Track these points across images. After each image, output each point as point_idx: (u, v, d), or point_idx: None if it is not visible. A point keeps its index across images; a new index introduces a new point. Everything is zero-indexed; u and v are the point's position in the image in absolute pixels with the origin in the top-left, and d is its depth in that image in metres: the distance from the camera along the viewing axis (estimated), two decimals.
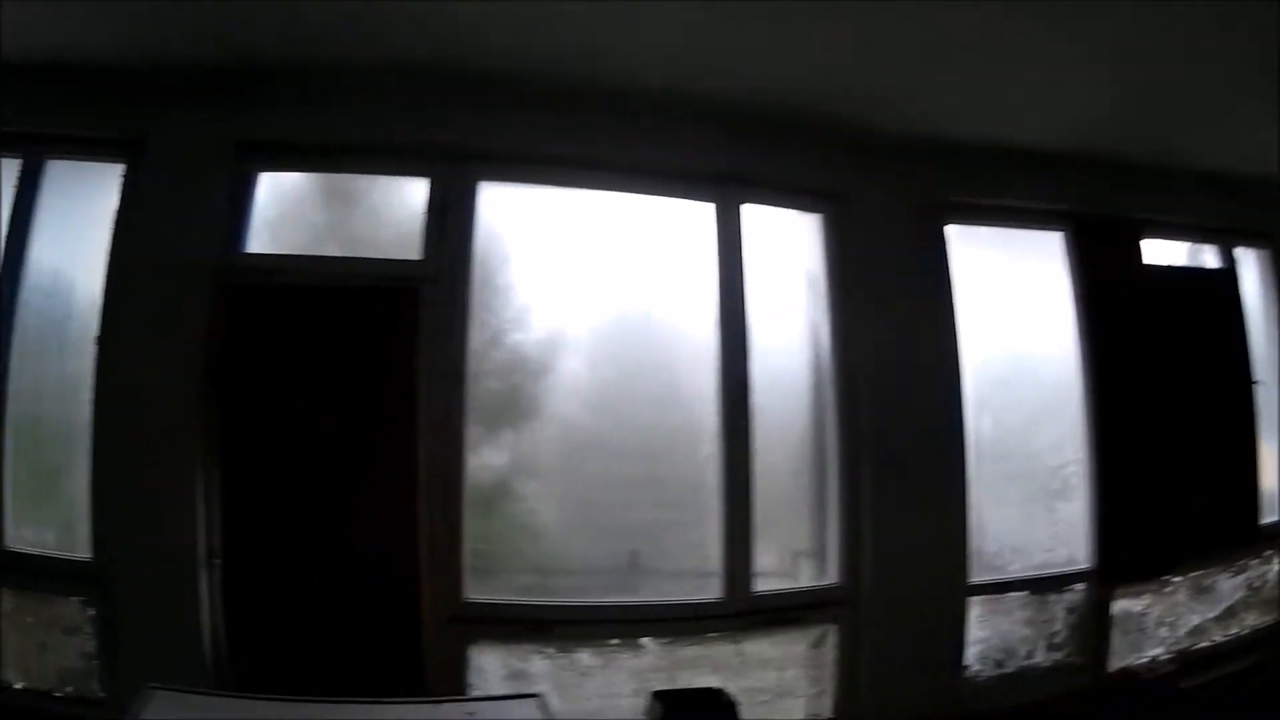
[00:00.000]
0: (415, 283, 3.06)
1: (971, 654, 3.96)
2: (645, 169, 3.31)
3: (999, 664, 3.75)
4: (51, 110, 3.46)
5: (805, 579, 3.77)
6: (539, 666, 3.19)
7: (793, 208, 3.53)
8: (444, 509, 3.01)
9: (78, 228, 3.48)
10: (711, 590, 3.57)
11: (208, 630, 3.19)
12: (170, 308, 3.23)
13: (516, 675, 3.33)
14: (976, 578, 3.86)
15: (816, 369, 3.61)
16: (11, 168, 3.51)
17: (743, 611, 3.25)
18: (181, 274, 3.23)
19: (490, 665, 3.21)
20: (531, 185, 3.29)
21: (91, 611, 3.25)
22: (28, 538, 3.37)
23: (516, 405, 3.58)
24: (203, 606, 3.17)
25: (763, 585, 3.40)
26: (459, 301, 3.07)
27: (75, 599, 3.16)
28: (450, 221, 3.12)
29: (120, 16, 3.00)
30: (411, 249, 3.19)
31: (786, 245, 3.54)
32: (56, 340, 3.42)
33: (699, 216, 3.43)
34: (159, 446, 3.21)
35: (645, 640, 3.46)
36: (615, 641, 3.43)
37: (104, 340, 3.28)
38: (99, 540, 3.07)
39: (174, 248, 3.26)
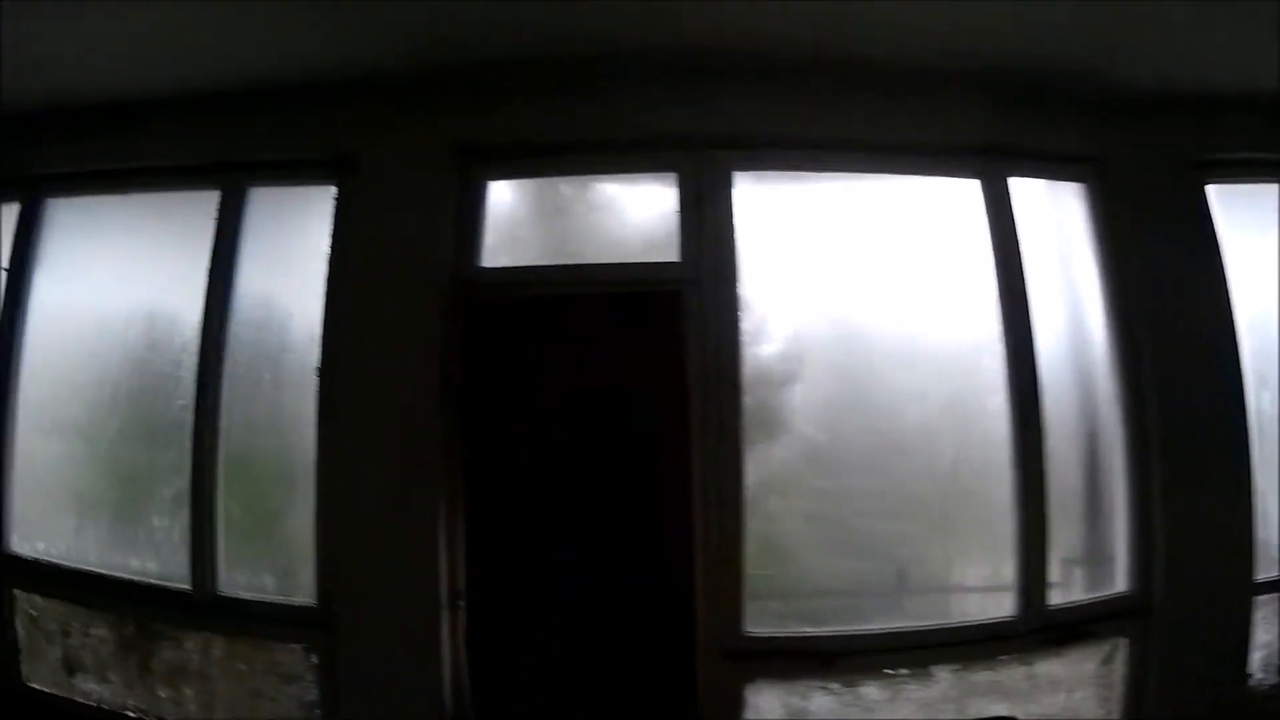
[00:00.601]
0: (677, 285, 2.74)
1: (1255, 660, 3.48)
2: (902, 147, 2.97)
3: None
4: (251, 137, 3.32)
5: (1087, 588, 3.32)
6: (821, 703, 2.81)
7: (1053, 177, 3.16)
8: (721, 534, 2.64)
9: (287, 256, 3.26)
10: (992, 607, 3.14)
11: (448, 678, 2.92)
12: (402, 331, 2.98)
13: (797, 714, 2.93)
14: (1262, 574, 3.37)
15: (1082, 353, 3.19)
16: (210, 200, 3.31)
17: (1038, 629, 2.82)
18: (412, 294, 3.00)
19: (767, 704, 2.80)
20: (783, 172, 2.95)
21: (314, 659, 3.06)
22: (242, 582, 3.24)
23: (758, 416, 3.24)
24: (443, 652, 2.91)
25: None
26: (726, 303, 2.74)
27: (296, 645, 3.04)
28: (706, 217, 2.80)
29: (315, 32, 2.83)
30: (658, 250, 2.87)
31: (1051, 219, 3.15)
32: (271, 373, 3.22)
33: (959, 196, 3.07)
34: (394, 479, 2.96)
35: (936, 668, 3.04)
36: (904, 671, 3.02)
37: (327, 371, 3.03)
38: (324, 583, 2.94)
39: (402, 267, 3.03)
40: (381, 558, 2.92)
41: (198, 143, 3.40)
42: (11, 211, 3.86)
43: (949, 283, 3.30)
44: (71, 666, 3.56)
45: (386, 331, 2.88)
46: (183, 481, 3.25)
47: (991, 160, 3.08)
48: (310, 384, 3.10)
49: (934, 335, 3.39)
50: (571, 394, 2.78)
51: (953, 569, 3.40)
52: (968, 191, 3.24)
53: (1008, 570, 3.21)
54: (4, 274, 3.76)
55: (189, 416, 3.25)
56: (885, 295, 3.35)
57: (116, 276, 3.65)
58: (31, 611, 3.66)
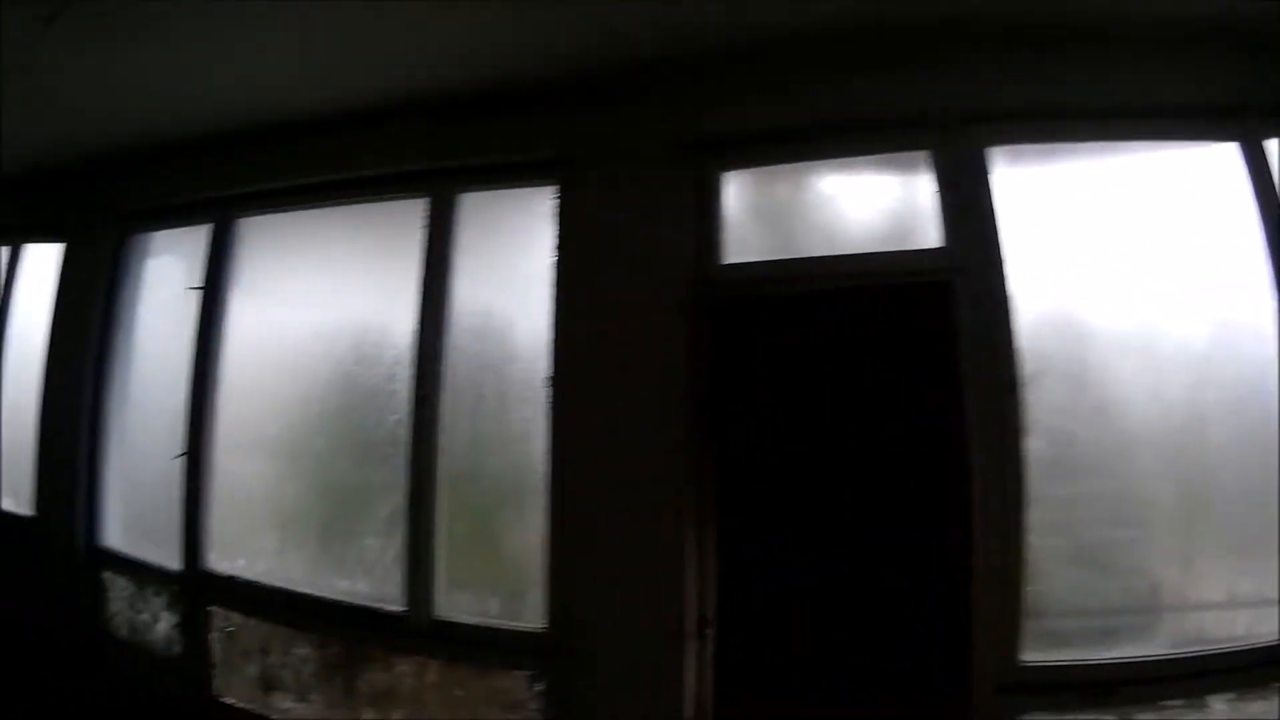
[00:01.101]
0: (945, 274, 2.50)
1: None
2: (1154, 111, 2.69)
3: None
4: (461, 141, 3.21)
5: None
6: None
7: None
8: (1003, 549, 2.39)
9: (505, 261, 3.12)
10: (1257, 625, 2.83)
11: (689, 713, 2.68)
12: (640, 335, 2.81)
13: None
14: None
15: None
16: (418, 208, 3.20)
17: None
18: (650, 295, 2.82)
19: None
20: (1038, 144, 2.69)
21: (539, 686, 2.89)
22: (463, 605, 3.08)
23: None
24: (685, 685, 2.68)
25: None
26: (996, 292, 2.49)
27: (519, 672, 2.88)
28: (968, 198, 2.56)
29: (528, 31, 2.70)
30: (913, 237, 2.63)
31: None
32: (495, 385, 3.06)
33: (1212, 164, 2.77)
34: (635, 495, 2.77)
35: (1212, 697, 2.74)
36: (1178, 703, 2.73)
37: (559, 381, 2.86)
38: (556, 608, 2.76)
39: (636, 267, 2.87)
40: (620, 580, 2.72)
41: (402, 150, 3.32)
42: (202, 232, 3.83)
43: (1197, 264, 2.99)
44: (269, 684, 3.50)
45: (623, 336, 2.73)
46: (398, 499, 3.14)
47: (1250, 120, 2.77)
48: (539, 395, 2.92)
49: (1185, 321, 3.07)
50: (830, 399, 2.55)
51: (1208, 583, 3.09)
52: (1221, 158, 2.93)
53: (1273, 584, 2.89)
54: (197, 293, 3.72)
55: (404, 432, 3.13)
56: (1121, 281, 3.06)
57: (319, 291, 3.60)
58: (230, 629, 3.59)
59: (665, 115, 2.85)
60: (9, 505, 4.61)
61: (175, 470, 3.74)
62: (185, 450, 3.71)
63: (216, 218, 3.81)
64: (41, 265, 4.69)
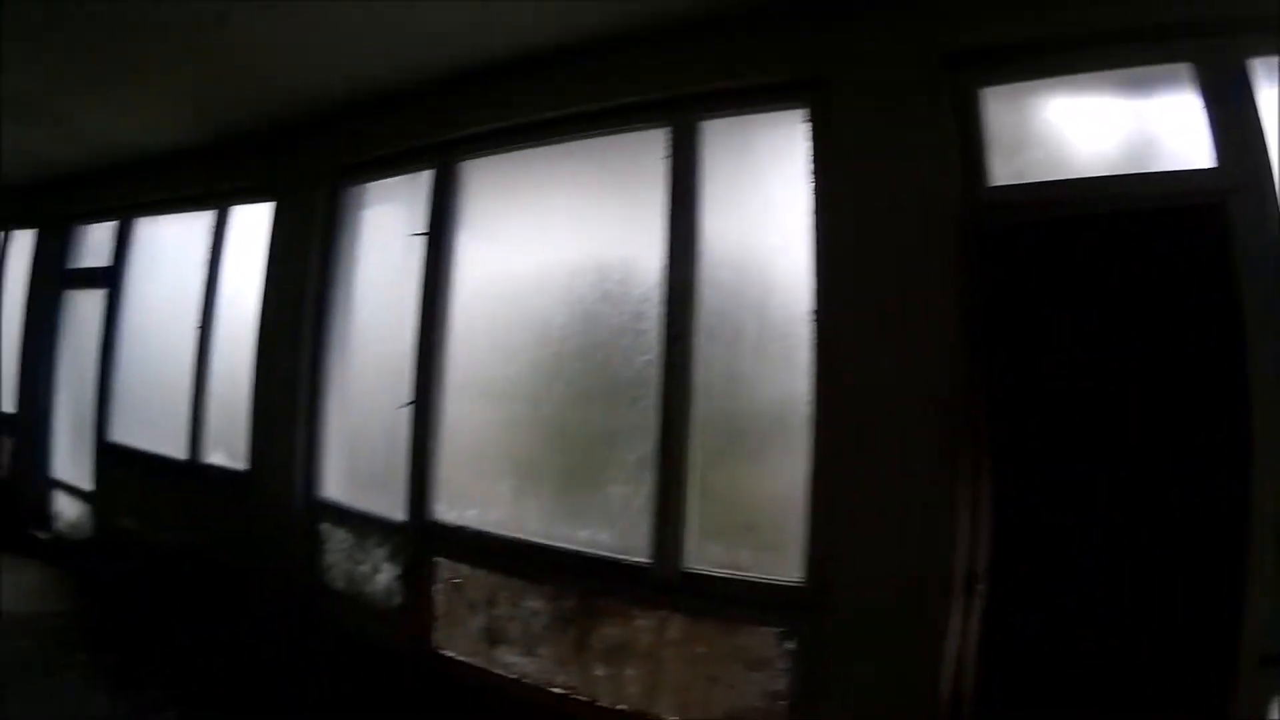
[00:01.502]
0: (1217, 197, 2.41)
1: None
2: None
3: None
4: (699, 66, 3.33)
5: None
6: None
7: None
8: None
9: (756, 190, 3.25)
10: None
11: (949, 674, 2.69)
12: (908, 265, 2.83)
13: None
14: None
15: None
16: (654, 137, 3.35)
17: None
18: (917, 222, 2.84)
19: None
20: None
21: (790, 644, 2.96)
22: (712, 556, 3.19)
23: None
24: (947, 645, 2.62)
25: None
26: (1272, 214, 2.36)
27: (769, 629, 2.94)
28: (1238, 114, 2.44)
29: None
30: (1178, 157, 2.51)
31: None
32: (752, 323, 3.18)
33: None
34: (903, 439, 2.78)
35: None
36: None
37: (822, 315, 2.95)
38: (815, 561, 2.82)
39: (899, 192, 2.86)
40: (885, 531, 2.68)
41: (638, 79, 3.46)
42: (420, 180, 4.18)
43: None
44: (494, 638, 3.76)
45: (888, 267, 2.74)
46: (646, 445, 3.27)
47: None
48: (800, 332, 3.01)
49: None
50: (1106, 331, 2.52)
51: None
52: None
53: None
54: (421, 239, 4.07)
55: (654, 373, 3.27)
56: None
57: (553, 231, 3.81)
58: (456, 580, 3.91)
59: (920, 28, 2.83)
60: (222, 460, 5.20)
61: (400, 420, 4.07)
62: (413, 399, 4.03)
63: (438, 163, 4.11)
64: (251, 225, 5.24)
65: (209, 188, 5.50)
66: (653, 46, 3.40)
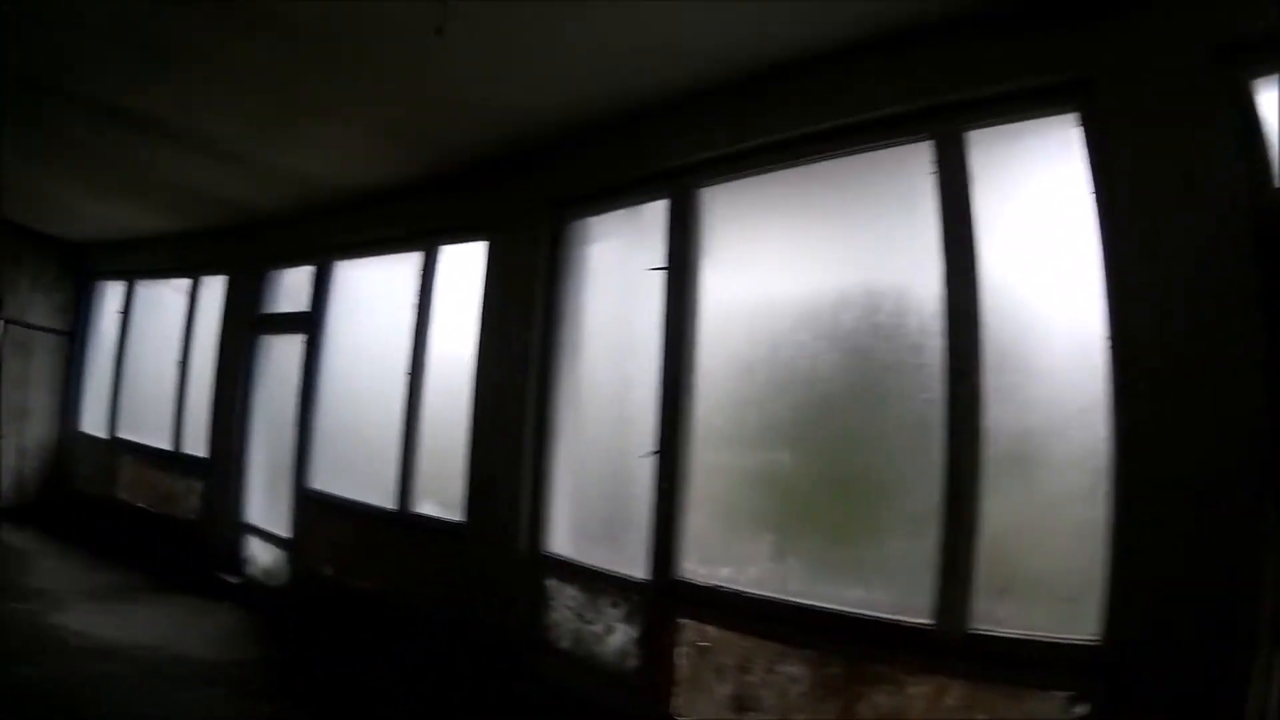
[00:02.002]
0: None
1: None
2: None
3: None
4: (960, 73, 3.44)
5: None
6: None
7: None
8: None
9: (1027, 204, 3.35)
10: None
11: None
12: (1199, 281, 2.81)
13: None
14: None
15: None
16: (918, 152, 3.54)
17: None
18: (1204, 231, 2.81)
19: None
20: None
21: (1081, 709, 2.92)
22: (1000, 615, 3.21)
23: None
24: (1252, 706, 2.57)
25: None
26: None
27: (1058, 693, 3.00)
28: None
29: None
30: None
31: None
32: (1041, 352, 3.25)
33: None
34: (1213, 479, 2.72)
35: None
36: None
37: (1117, 342, 2.97)
38: (1115, 616, 2.86)
39: (1184, 198, 2.85)
40: (1191, 584, 2.69)
41: (892, 89, 3.60)
42: (650, 209, 4.53)
43: None
44: (743, 705, 3.88)
45: (1185, 280, 2.78)
46: (930, 493, 3.33)
47: None
48: (1096, 360, 2.95)
49: None
50: None
51: None
52: None
53: None
54: (660, 273, 4.36)
55: (937, 413, 3.34)
56: None
57: (808, 259, 3.97)
58: (702, 643, 4.10)
59: (1191, 19, 2.88)
60: (434, 510, 5.71)
61: (641, 470, 4.33)
62: (657, 448, 4.29)
63: (673, 190, 4.37)
64: (462, 264, 5.76)
65: (416, 226, 6.08)
66: (909, 52, 3.56)
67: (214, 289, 8.56)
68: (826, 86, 3.78)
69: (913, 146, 3.55)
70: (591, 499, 4.76)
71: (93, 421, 10.35)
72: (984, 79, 3.38)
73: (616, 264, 4.80)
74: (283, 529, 7.09)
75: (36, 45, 4.55)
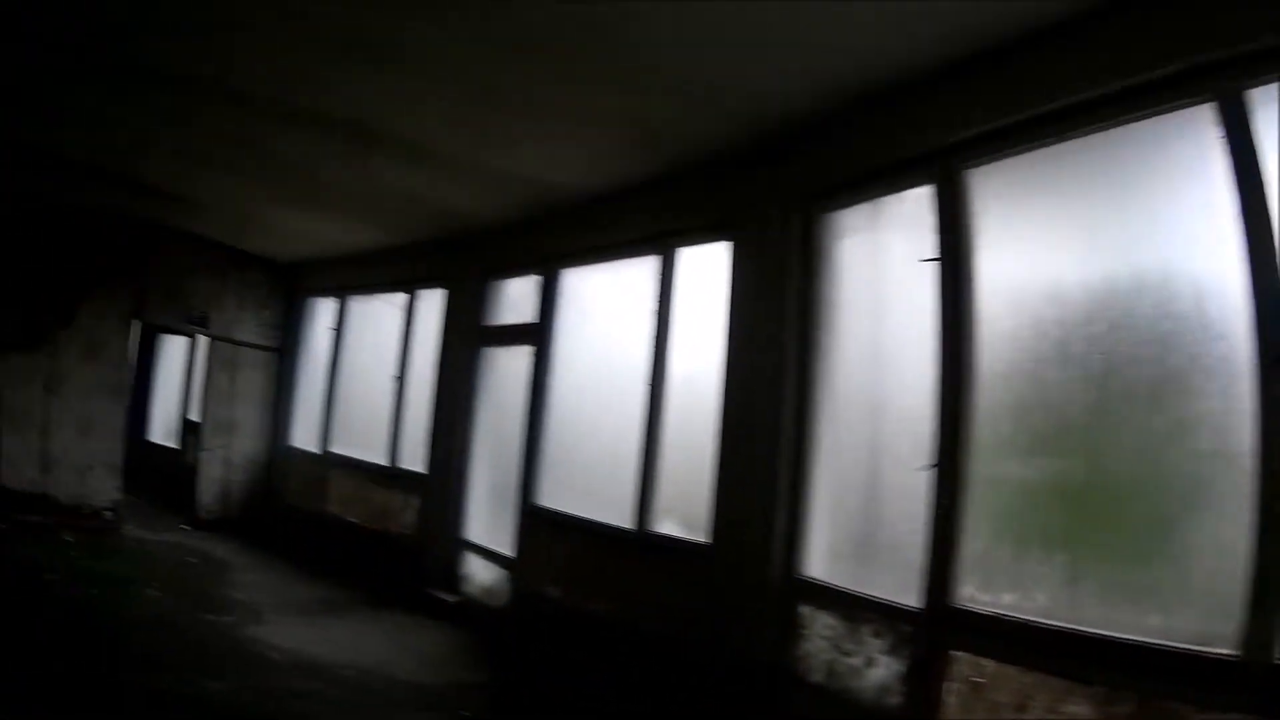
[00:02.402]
0: None
1: None
2: None
3: None
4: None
5: None
6: None
7: None
8: None
9: None
10: None
11: None
12: None
13: None
14: None
15: None
16: (1201, 113, 3.45)
17: None
18: None
19: None
20: None
21: None
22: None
23: None
24: None
25: None
26: None
27: None
28: None
29: None
30: None
31: None
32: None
33: None
34: None
35: None
36: None
37: None
38: None
39: None
40: None
41: (1167, 45, 3.49)
42: (912, 195, 4.63)
43: None
44: None
45: None
46: (1240, 504, 3.20)
47: None
48: None
49: None
50: None
51: None
52: None
53: None
54: (931, 264, 4.42)
55: (1247, 409, 3.15)
56: None
57: (1096, 243, 3.91)
58: (976, 678, 4.08)
59: None
60: (675, 529, 6.00)
61: (915, 485, 4.35)
62: (935, 460, 4.32)
63: (938, 174, 4.40)
64: (702, 265, 6.07)
65: (651, 229, 6.43)
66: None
67: (432, 302, 9.27)
68: (1097, 48, 3.74)
69: (1194, 110, 3.46)
70: (853, 517, 4.86)
71: (304, 436, 11.37)
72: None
73: (874, 258, 4.93)
74: (505, 547, 7.57)
75: (240, 56, 5.22)
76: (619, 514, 6.26)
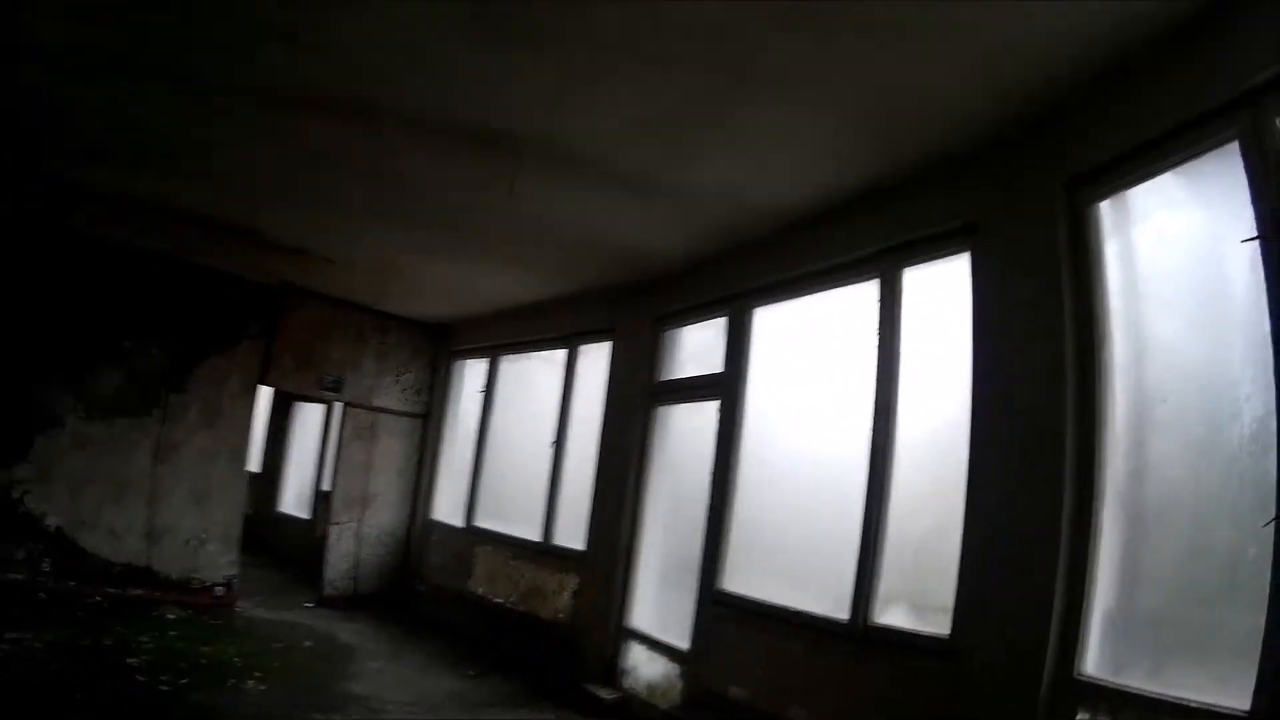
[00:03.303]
0: None
1: None
2: None
3: None
4: None
5: None
6: None
7: None
8: None
9: None
10: None
11: None
12: None
13: None
14: None
15: None
16: None
17: None
18: None
19: None
20: None
21: None
22: None
23: None
24: None
25: None
26: None
27: None
28: None
29: None
30: None
31: None
32: None
33: None
34: None
35: None
36: None
37: None
38: None
39: None
40: None
41: None
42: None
43: None
44: None
45: None
46: None
47: None
48: None
49: None
50: None
51: None
52: None
53: None
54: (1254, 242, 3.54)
55: None
56: None
57: None
58: None
59: None
60: (903, 621, 5.21)
61: (1253, 551, 3.48)
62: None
63: (1247, 125, 3.59)
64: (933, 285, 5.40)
65: (867, 248, 5.85)
66: None
67: (596, 358, 8.94)
68: None
69: None
70: (1161, 591, 4.01)
71: (446, 508, 11.18)
72: None
73: (1161, 245, 4.20)
74: (678, 637, 6.95)
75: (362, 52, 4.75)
76: (829, 601, 5.56)
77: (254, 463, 14.98)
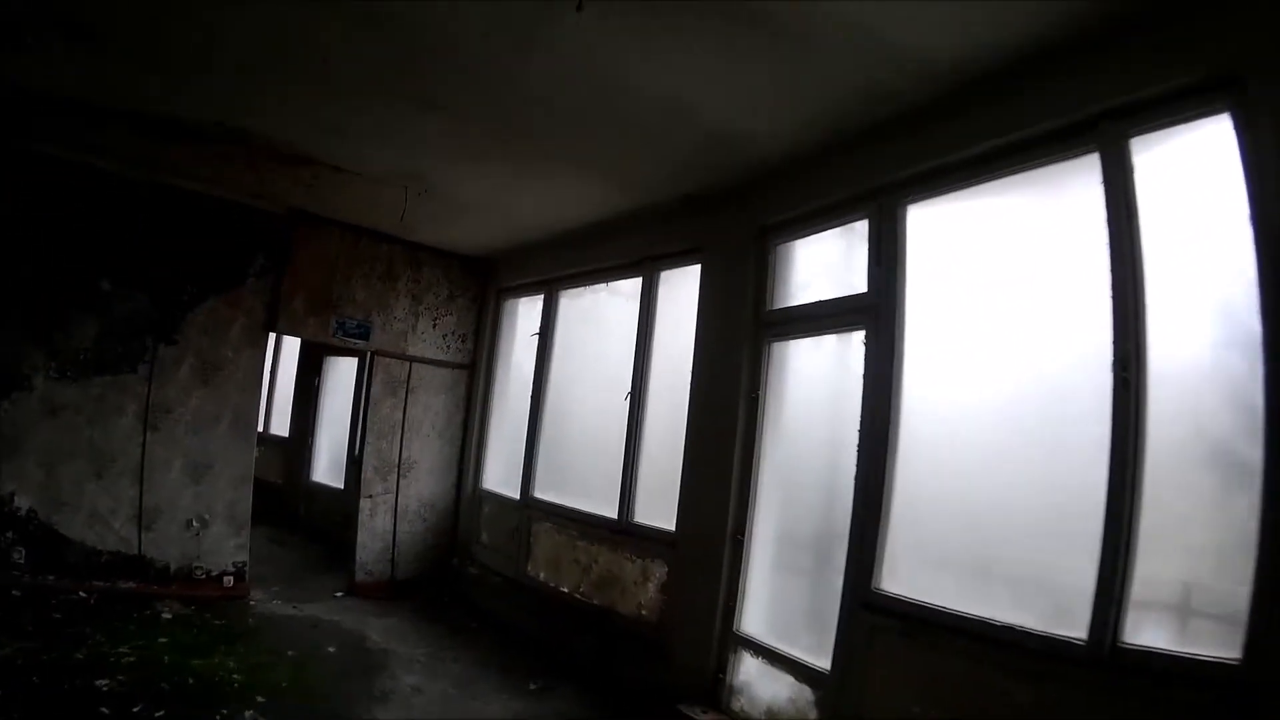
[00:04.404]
0: None
1: None
2: None
3: None
4: None
5: None
6: None
7: None
8: None
9: None
10: None
11: None
12: None
13: None
14: None
15: None
16: None
17: None
18: None
19: None
20: None
21: None
22: None
23: None
24: None
25: None
26: None
27: None
28: None
29: None
30: None
31: None
32: None
33: None
34: None
35: None
36: None
37: None
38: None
39: None
40: None
41: None
42: None
43: None
44: None
45: None
46: None
47: None
48: None
49: None
50: None
51: None
52: None
53: None
54: None
55: None
56: None
57: None
58: None
59: None
60: (1166, 635, 4.01)
61: None
62: None
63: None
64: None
65: (1084, 110, 4.51)
66: None
67: (682, 285, 7.83)
68: None
69: None
70: None
71: (498, 476, 10.20)
72: None
73: None
74: (810, 650, 5.84)
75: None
76: (1048, 610, 4.32)
77: (282, 426, 14.46)
